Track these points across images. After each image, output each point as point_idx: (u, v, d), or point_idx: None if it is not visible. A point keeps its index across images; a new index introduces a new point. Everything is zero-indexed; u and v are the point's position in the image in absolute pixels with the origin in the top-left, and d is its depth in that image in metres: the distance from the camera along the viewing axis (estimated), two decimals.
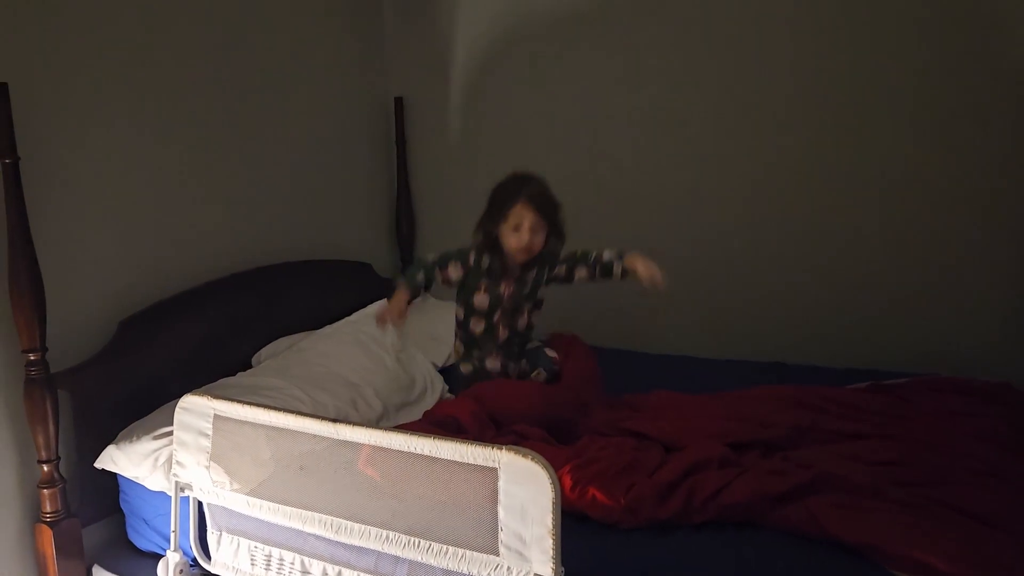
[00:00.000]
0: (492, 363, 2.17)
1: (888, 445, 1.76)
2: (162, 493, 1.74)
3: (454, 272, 2.12)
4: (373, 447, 1.40)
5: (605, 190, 2.78)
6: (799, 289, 2.56)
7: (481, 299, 2.14)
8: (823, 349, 2.49)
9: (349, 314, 2.46)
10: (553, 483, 1.23)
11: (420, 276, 2.11)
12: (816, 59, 2.45)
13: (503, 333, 2.17)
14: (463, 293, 2.16)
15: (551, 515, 1.24)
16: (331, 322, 2.41)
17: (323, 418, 1.45)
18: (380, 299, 2.47)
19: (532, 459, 1.25)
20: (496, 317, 2.15)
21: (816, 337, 2.53)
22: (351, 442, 1.41)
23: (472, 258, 2.12)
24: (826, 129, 2.47)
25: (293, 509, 1.49)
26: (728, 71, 2.56)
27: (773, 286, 2.60)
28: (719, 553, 1.50)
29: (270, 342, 2.29)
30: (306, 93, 2.66)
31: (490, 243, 2.09)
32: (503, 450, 1.27)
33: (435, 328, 2.54)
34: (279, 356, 2.19)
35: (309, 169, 2.68)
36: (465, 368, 2.20)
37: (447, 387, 2.31)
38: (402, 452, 1.36)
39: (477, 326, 2.17)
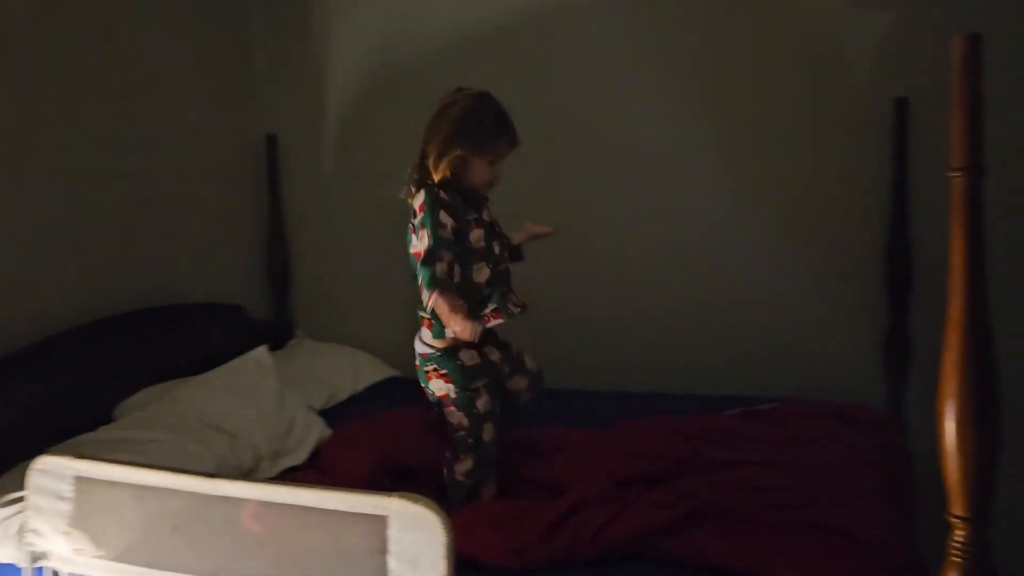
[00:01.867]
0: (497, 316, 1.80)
1: (765, 471, 1.83)
2: (10, 566, 1.59)
3: (448, 221, 1.73)
4: (258, 501, 1.33)
5: None
6: (670, 316, 2.65)
7: (477, 235, 1.79)
8: (694, 376, 2.58)
9: (220, 358, 2.34)
10: (446, 528, 1.21)
11: (441, 267, 1.71)
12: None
13: (504, 266, 1.86)
14: (455, 243, 1.76)
15: (444, 561, 1.21)
16: (202, 368, 2.29)
17: (199, 473, 1.37)
18: (259, 344, 2.38)
19: (424, 505, 1.22)
20: (497, 249, 1.85)
21: (686, 365, 2.61)
22: (230, 497, 1.34)
23: (445, 196, 1.74)
24: (697, 159, 2.56)
25: (165, 573, 1.39)
26: (600, 110, 2.64)
27: (646, 314, 2.67)
28: None
29: (135, 392, 2.15)
30: (174, 131, 2.55)
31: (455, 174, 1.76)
32: (393, 497, 1.24)
33: (312, 369, 2.46)
34: (147, 407, 2.06)
35: (177, 209, 2.56)
36: (469, 358, 1.81)
37: (329, 430, 2.24)
38: (286, 504, 1.30)
39: (481, 273, 1.80)
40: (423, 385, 1.86)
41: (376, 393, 2.62)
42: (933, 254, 2.14)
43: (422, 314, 1.80)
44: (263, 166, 2.95)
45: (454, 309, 1.66)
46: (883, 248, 2.36)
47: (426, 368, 1.82)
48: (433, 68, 2.75)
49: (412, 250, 1.76)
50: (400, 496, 1.23)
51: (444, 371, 1.79)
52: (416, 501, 1.22)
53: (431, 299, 1.69)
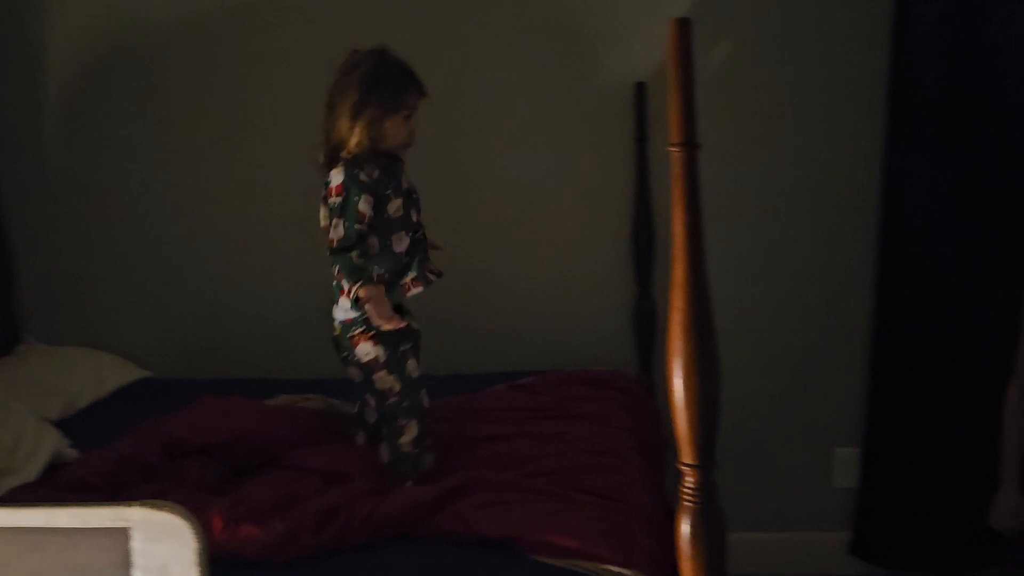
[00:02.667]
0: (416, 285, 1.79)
1: (524, 442, 1.90)
2: None
3: (367, 207, 1.68)
4: None
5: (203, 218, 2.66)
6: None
7: (396, 205, 1.75)
8: (463, 356, 2.63)
9: None
10: (197, 533, 1.13)
11: (358, 257, 1.67)
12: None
13: (421, 233, 1.83)
14: (374, 217, 1.71)
15: (196, 568, 1.14)
16: None
17: None
18: None
19: (170, 511, 1.13)
20: (415, 217, 1.81)
21: (453, 345, 2.65)
22: None
23: (364, 177, 1.69)
24: (447, 141, 2.55)
25: None
26: None
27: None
28: (380, 572, 1.50)
29: None
30: None
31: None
32: (135, 506, 1.14)
33: (45, 376, 2.21)
34: None
35: None
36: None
37: (67, 441, 2.02)
38: (7, 528, 1.16)
39: (400, 243, 1.77)
40: (345, 355, 1.80)
41: (125, 397, 2.41)
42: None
43: (342, 284, 1.75)
44: None
45: (377, 303, 1.68)
46: (630, 224, 2.52)
47: (351, 334, 1.77)
48: (172, 47, 2.56)
49: (324, 224, 1.72)
50: (143, 505, 1.13)
51: (373, 332, 1.74)
52: (161, 508, 1.13)
53: (353, 290, 1.68)
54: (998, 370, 2.23)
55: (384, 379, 1.77)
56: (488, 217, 2.61)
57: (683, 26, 1.08)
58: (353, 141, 1.68)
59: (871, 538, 2.62)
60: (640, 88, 2.46)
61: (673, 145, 1.11)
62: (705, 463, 1.13)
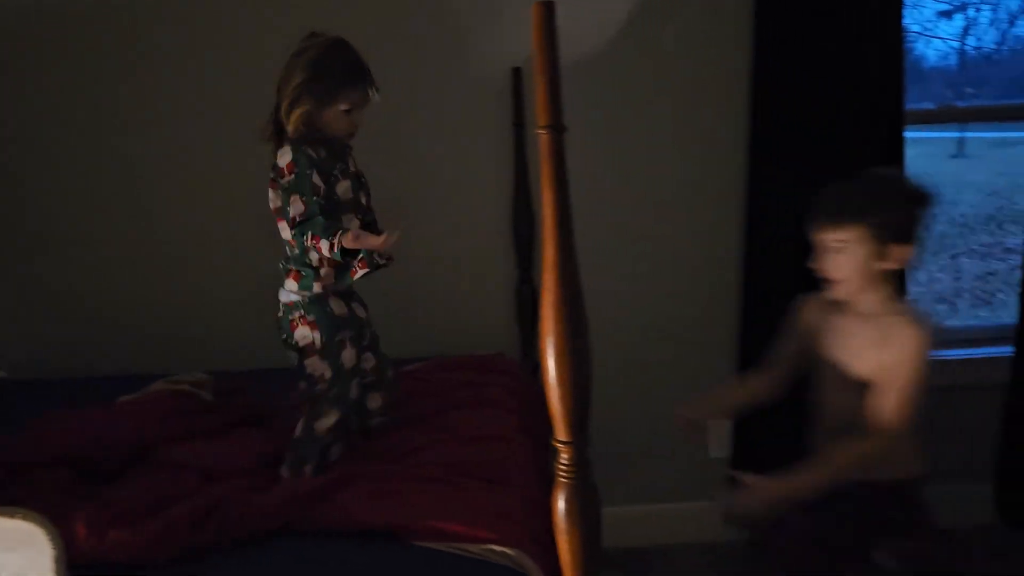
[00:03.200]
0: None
1: (408, 429, 1.90)
2: None
3: (319, 183, 1.68)
4: None
5: None
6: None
7: (344, 187, 1.76)
8: None
9: None
10: (53, 539, 1.08)
11: (322, 221, 1.64)
12: None
13: (371, 216, 1.84)
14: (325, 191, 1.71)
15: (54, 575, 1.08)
16: None
17: None
18: None
19: (23, 517, 1.08)
20: (364, 200, 1.82)
21: None
22: None
23: (312, 153, 1.69)
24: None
25: None
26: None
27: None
28: (260, 569, 1.47)
29: None
30: None
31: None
32: None
33: None
34: None
35: None
36: (337, 307, 1.78)
37: None
38: None
39: (351, 225, 1.74)
40: (284, 338, 1.79)
41: None
42: None
43: (288, 266, 1.76)
44: None
45: (364, 237, 1.63)
46: (510, 208, 2.54)
47: (291, 316, 1.77)
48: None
49: (275, 207, 1.73)
50: None
51: (312, 317, 1.75)
52: (14, 515, 1.08)
53: (335, 242, 1.62)
54: None
55: (316, 364, 1.76)
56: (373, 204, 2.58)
57: (546, 10, 1.09)
58: (290, 130, 1.70)
59: None
60: (517, 73, 2.47)
61: (541, 128, 1.13)
62: (579, 440, 1.16)
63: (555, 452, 1.18)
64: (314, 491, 1.57)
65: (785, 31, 2.45)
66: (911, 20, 2.91)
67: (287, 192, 1.67)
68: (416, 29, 2.49)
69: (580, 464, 1.16)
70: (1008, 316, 2.88)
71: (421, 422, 1.96)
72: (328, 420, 1.75)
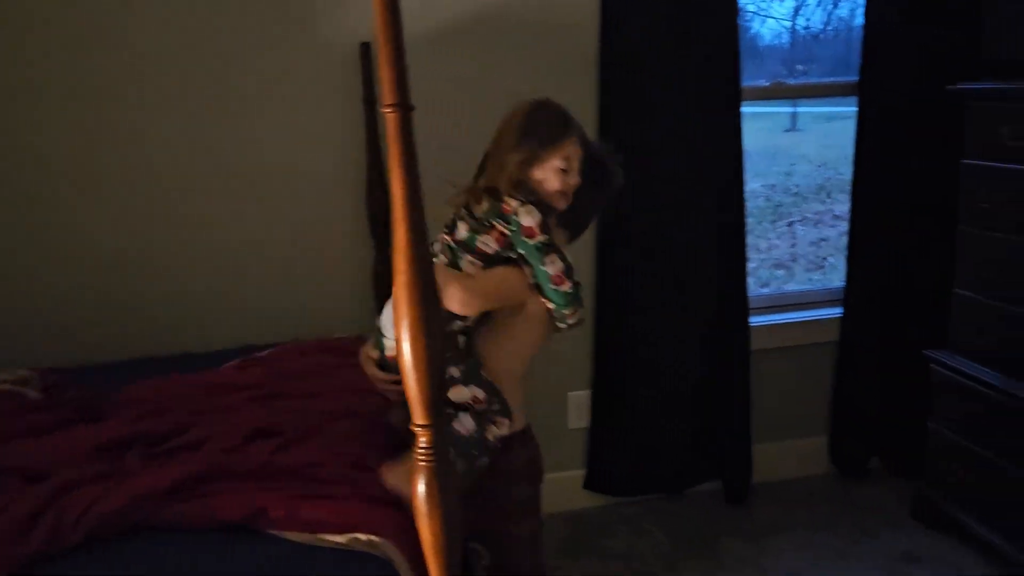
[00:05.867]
0: None
1: (263, 416, 1.82)
2: None
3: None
4: None
5: None
6: (171, 278, 2.49)
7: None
8: (195, 333, 2.47)
9: None
10: None
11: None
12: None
13: None
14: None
15: None
16: None
17: None
18: None
19: None
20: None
21: (184, 322, 2.49)
22: None
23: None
24: (164, 111, 2.40)
25: None
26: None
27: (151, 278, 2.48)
28: (107, 569, 1.38)
29: None
30: None
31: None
32: None
33: None
34: None
35: None
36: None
37: None
38: None
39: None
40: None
41: None
42: None
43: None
44: None
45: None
46: (365, 187, 2.48)
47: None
48: None
49: (489, 250, 1.71)
50: None
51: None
52: None
53: (576, 317, 1.73)
54: (693, 321, 2.68)
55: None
56: (220, 188, 2.46)
57: None
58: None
59: (602, 471, 2.86)
60: (366, 48, 2.41)
61: (387, 107, 1.09)
62: (436, 423, 1.14)
63: (414, 436, 1.16)
64: (162, 487, 1.48)
65: (627, 9, 2.52)
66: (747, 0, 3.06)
67: (538, 253, 1.67)
68: (262, 6, 2.39)
69: (437, 447, 1.15)
70: (838, 279, 3.11)
71: (275, 408, 1.88)
72: (500, 430, 1.73)
